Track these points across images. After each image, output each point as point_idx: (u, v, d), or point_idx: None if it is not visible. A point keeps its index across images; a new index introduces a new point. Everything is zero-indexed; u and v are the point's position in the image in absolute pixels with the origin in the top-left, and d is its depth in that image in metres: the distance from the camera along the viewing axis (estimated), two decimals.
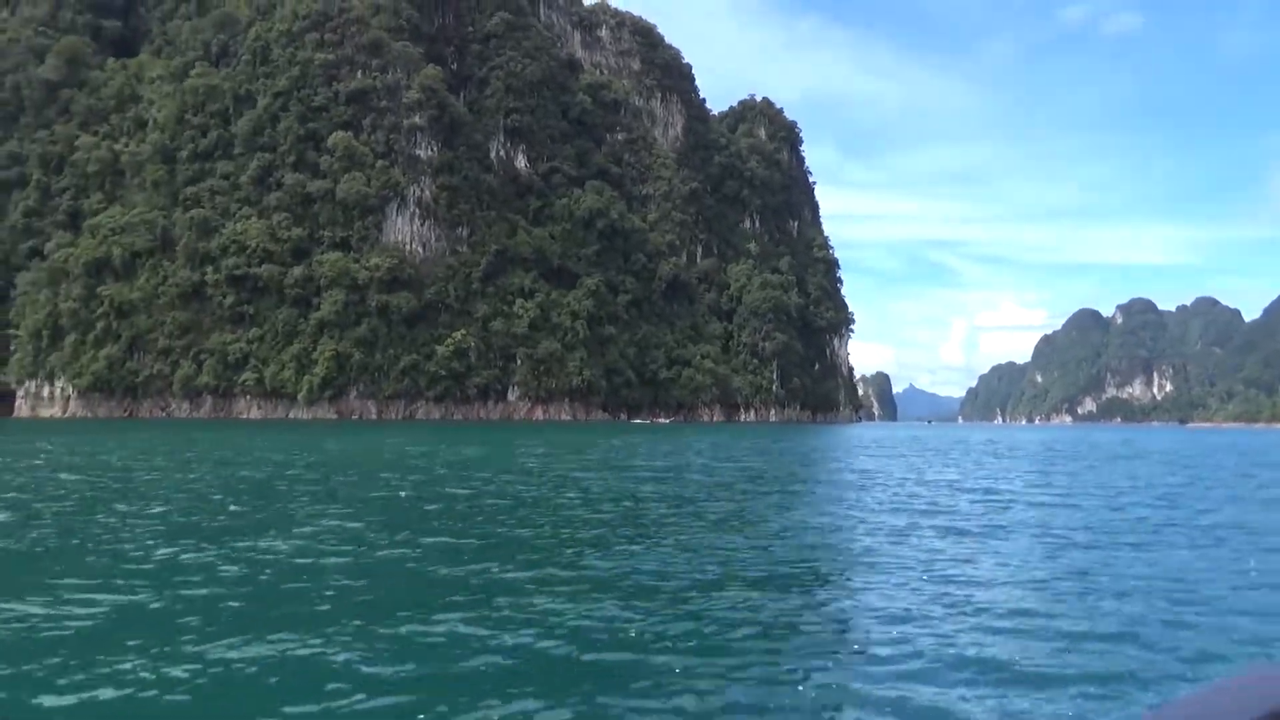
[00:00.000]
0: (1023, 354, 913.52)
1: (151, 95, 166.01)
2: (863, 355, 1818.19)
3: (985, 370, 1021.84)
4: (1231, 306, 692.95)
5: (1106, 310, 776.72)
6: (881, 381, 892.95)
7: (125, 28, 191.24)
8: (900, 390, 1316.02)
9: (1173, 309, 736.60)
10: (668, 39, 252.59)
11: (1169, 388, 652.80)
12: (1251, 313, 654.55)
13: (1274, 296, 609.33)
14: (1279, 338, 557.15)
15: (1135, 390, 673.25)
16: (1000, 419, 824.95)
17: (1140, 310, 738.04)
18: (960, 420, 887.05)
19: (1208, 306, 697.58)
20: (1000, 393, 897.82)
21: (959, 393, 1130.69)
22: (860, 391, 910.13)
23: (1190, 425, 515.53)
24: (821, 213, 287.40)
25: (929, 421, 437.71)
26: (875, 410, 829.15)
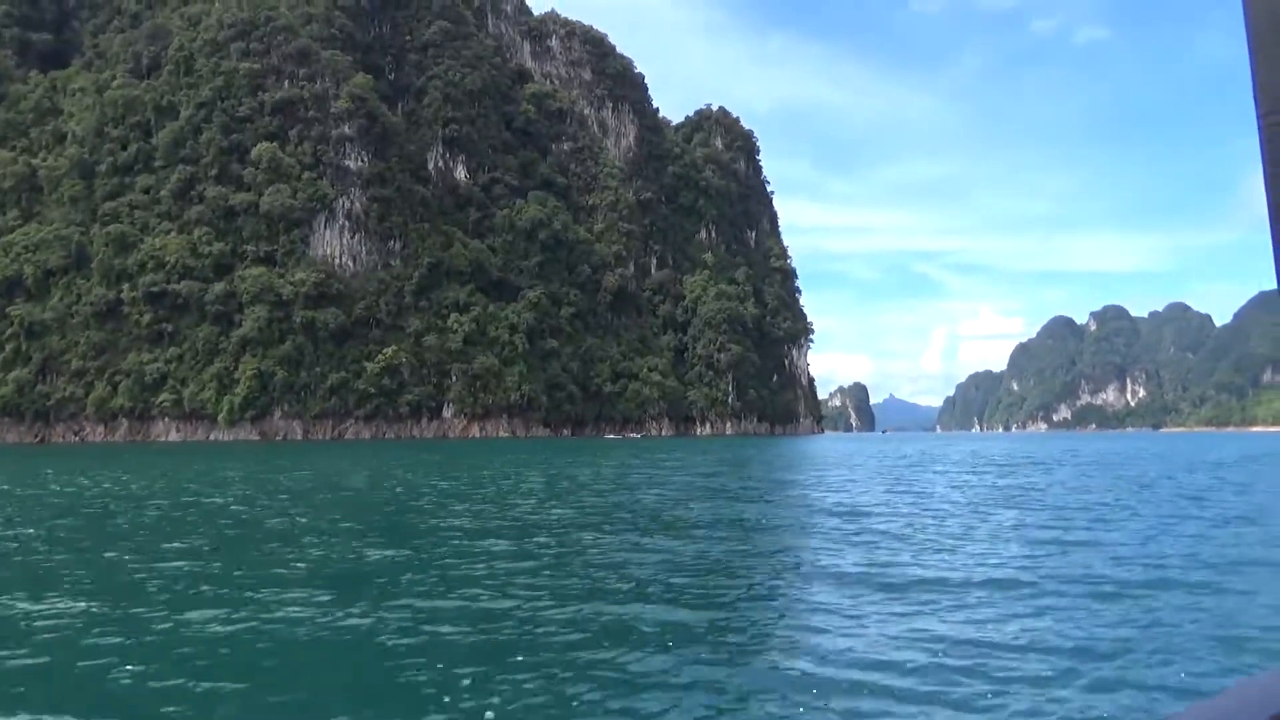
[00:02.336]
0: (1001, 363, 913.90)
1: (72, 108, 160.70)
2: (843, 366, 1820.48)
3: (963, 379, 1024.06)
4: (1202, 312, 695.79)
5: (1081, 318, 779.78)
6: (858, 392, 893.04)
7: (57, 41, 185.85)
8: (881, 400, 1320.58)
9: (1145, 315, 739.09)
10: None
11: (1142, 394, 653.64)
12: (1222, 317, 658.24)
13: (1244, 301, 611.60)
14: (1249, 342, 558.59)
15: (1109, 397, 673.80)
16: (978, 427, 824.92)
17: (1114, 317, 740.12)
18: (938, 429, 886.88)
19: (1179, 312, 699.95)
20: (978, 401, 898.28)
21: (939, 402, 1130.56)
22: (837, 402, 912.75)
23: (1164, 430, 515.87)
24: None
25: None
26: (853, 420, 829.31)
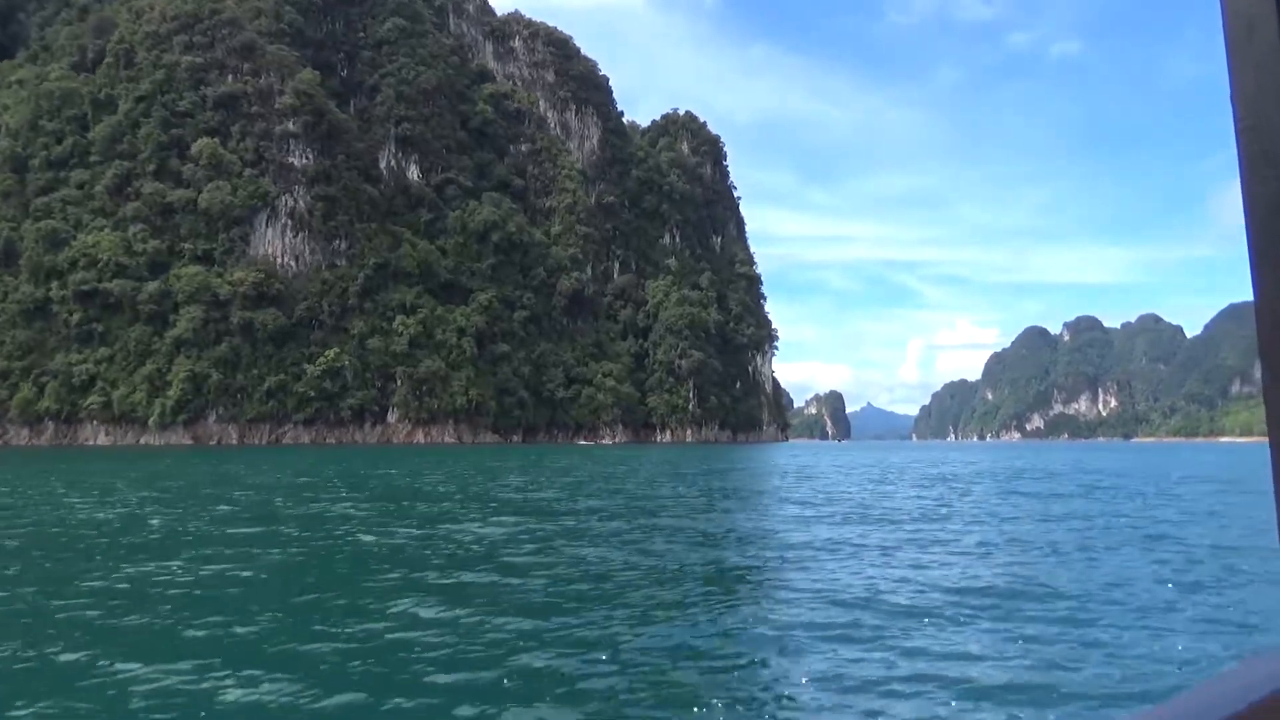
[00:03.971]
0: (976, 372, 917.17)
1: (8, 100, 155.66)
2: (822, 375, 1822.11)
3: (939, 388, 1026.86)
4: (1174, 323, 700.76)
5: (1055, 328, 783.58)
6: (835, 400, 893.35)
7: (3, 34, 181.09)
8: (859, 409, 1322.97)
9: (1118, 326, 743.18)
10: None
11: (1114, 404, 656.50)
12: (1193, 329, 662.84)
13: (1214, 313, 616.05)
14: (1218, 354, 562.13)
15: (1081, 406, 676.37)
16: (953, 436, 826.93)
17: (1087, 328, 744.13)
18: (914, 438, 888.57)
19: (1151, 324, 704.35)
20: (952, 410, 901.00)
21: (915, 411, 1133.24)
22: (813, 410, 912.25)
23: (1135, 440, 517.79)
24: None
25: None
26: (829, 429, 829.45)
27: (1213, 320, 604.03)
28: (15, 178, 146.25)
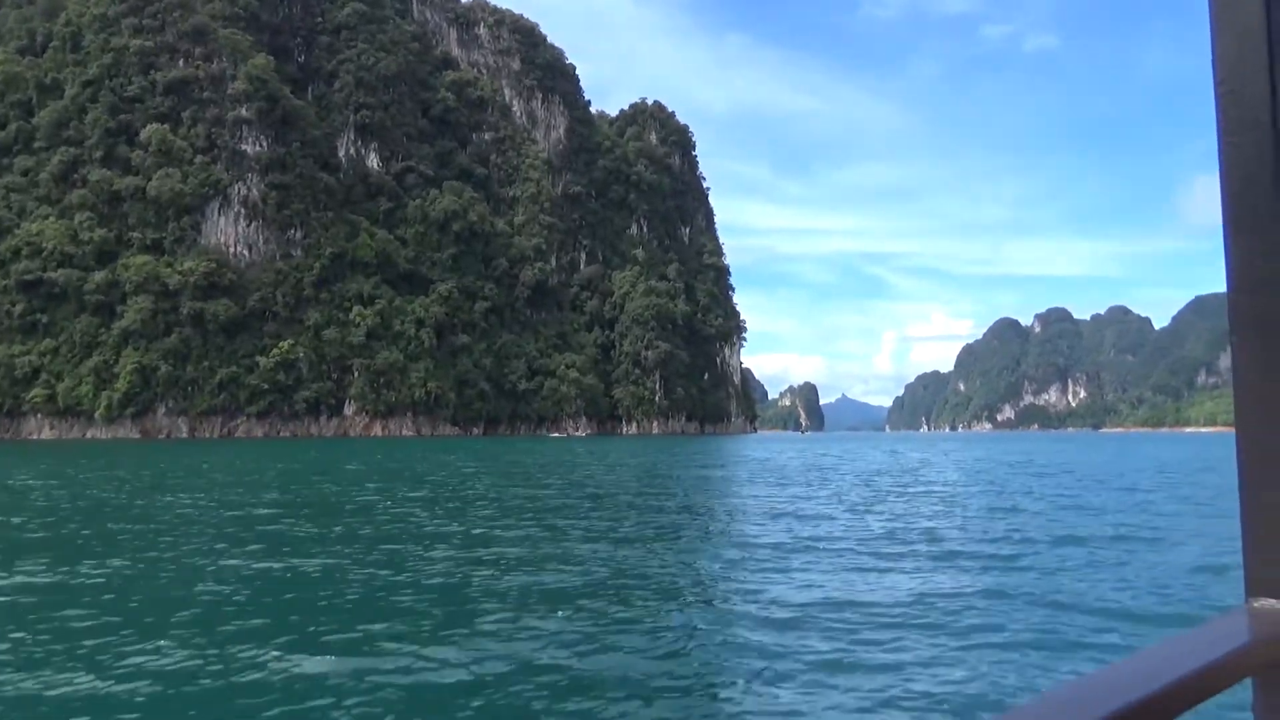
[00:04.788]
0: (949, 364, 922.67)
1: None
2: (797, 367, 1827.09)
3: (913, 380, 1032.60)
4: (1143, 315, 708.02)
5: (1027, 320, 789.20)
6: (809, 392, 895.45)
7: None
8: (833, 400, 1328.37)
9: (1088, 318, 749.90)
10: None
11: (1083, 394, 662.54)
12: (1161, 321, 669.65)
13: (1181, 306, 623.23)
14: (1185, 345, 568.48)
15: (1051, 397, 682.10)
16: (926, 427, 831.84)
17: (1057, 319, 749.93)
18: (887, 429, 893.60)
19: (1120, 315, 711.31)
20: (925, 401, 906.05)
21: (889, 402, 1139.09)
22: (787, 402, 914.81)
23: (1103, 430, 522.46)
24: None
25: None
26: (802, 420, 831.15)
27: (1180, 312, 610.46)
28: None
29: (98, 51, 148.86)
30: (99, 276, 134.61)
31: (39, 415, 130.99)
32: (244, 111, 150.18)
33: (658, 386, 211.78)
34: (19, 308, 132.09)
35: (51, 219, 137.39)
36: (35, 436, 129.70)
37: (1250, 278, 0.91)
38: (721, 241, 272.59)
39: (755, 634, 9.80)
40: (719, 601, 12.08)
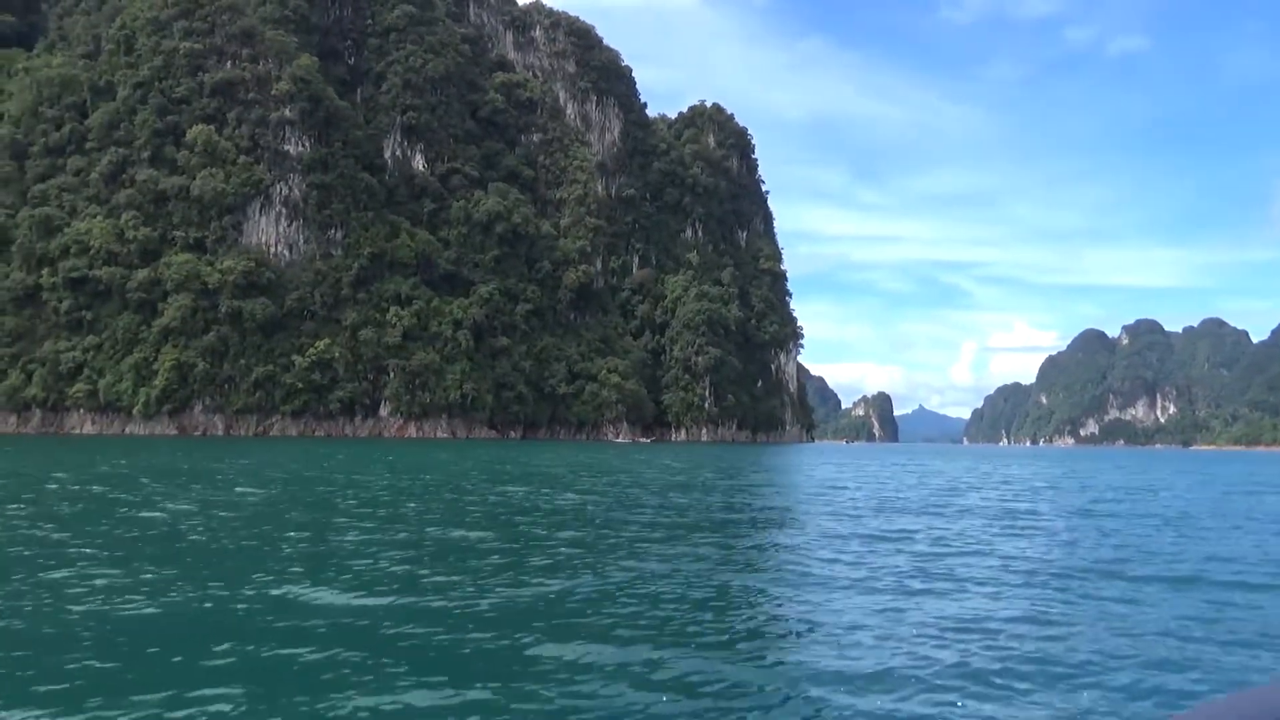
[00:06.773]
0: (1031, 375, 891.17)
1: (13, 89, 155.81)
2: (874, 376, 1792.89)
3: (993, 391, 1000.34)
4: (1239, 328, 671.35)
5: (1113, 331, 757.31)
6: (883, 402, 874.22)
7: (22, 23, 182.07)
8: (909, 411, 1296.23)
9: (1179, 330, 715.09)
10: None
11: (1172, 410, 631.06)
12: (1260, 334, 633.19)
13: None
14: None
15: (1138, 412, 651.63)
16: (1006, 440, 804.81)
17: (1147, 331, 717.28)
18: (965, 441, 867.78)
19: (1215, 328, 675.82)
20: (1006, 414, 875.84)
21: (968, 414, 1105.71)
22: (860, 412, 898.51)
23: (1193, 448, 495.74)
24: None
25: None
26: (875, 430, 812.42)
27: None
28: (15, 165, 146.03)
29: (149, 54, 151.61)
30: (142, 274, 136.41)
31: (81, 410, 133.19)
32: (287, 112, 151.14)
33: (707, 393, 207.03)
34: (65, 304, 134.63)
35: (99, 218, 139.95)
36: (77, 431, 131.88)
37: None
38: (782, 247, 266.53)
39: None
40: None
